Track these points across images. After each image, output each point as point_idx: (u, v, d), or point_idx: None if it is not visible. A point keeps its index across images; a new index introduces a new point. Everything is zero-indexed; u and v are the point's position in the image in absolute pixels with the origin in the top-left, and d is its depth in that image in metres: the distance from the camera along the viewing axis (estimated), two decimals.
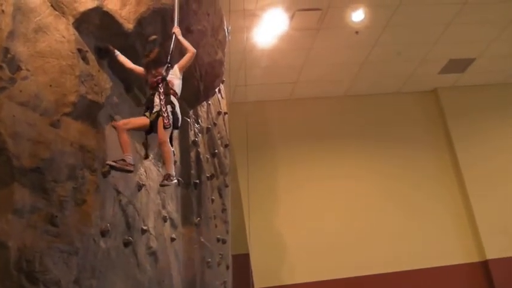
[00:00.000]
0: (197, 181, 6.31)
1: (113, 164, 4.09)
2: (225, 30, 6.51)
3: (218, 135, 7.56)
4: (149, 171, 5.09)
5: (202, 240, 6.27)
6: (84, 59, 4.13)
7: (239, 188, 10.55)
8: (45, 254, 3.44)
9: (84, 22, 4.25)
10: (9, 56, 3.58)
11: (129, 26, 4.53)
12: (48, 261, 3.44)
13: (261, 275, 10.32)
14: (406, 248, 11.09)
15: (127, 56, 4.59)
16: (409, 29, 10.18)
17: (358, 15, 9.54)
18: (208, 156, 6.92)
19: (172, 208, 5.61)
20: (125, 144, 4.20)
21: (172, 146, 4.51)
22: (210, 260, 6.40)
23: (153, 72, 4.48)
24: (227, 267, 7.38)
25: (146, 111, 4.41)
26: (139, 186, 4.78)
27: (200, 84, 5.83)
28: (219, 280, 6.85)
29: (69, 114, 3.90)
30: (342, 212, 11.28)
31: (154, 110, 4.35)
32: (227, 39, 6.71)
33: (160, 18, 4.76)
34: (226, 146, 7.90)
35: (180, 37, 4.68)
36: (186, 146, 6.23)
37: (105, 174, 4.13)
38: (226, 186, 7.80)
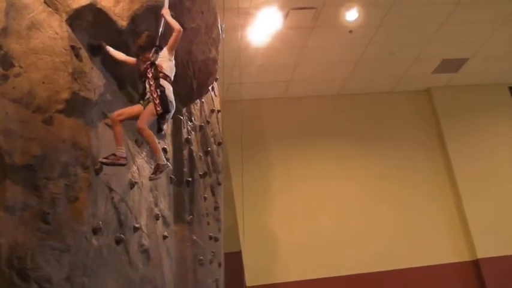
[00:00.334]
0: (190, 179, 6.30)
1: (104, 160, 4.08)
2: (218, 28, 6.50)
3: (211, 133, 7.55)
4: (142, 169, 5.09)
5: (194, 238, 6.27)
6: (77, 56, 4.11)
7: (232, 186, 10.56)
8: (36, 251, 3.43)
9: (78, 19, 4.23)
10: (2, 52, 3.58)
11: (122, 23, 4.52)
12: (39, 258, 3.44)
13: (253, 273, 10.34)
14: (398, 246, 11.13)
15: None
16: (402, 29, 10.21)
17: (352, 15, 9.56)
18: (201, 154, 6.92)
19: (165, 206, 5.60)
20: (119, 136, 4.16)
21: (162, 130, 4.43)
22: (202, 257, 6.40)
23: (142, 58, 4.40)
24: (219, 265, 7.39)
25: (140, 100, 4.38)
26: (132, 184, 4.78)
27: (193, 82, 5.82)
28: (211, 278, 6.85)
29: (62, 111, 3.88)
30: (334, 211, 11.31)
31: (146, 97, 4.29)
32: (221, 37, 6.70)
33: (154, 15, 4.75)
34: (219, 144, 7.90)
35: (168, 17, 4.52)
36: (179, 144, 6.22)
37: (97, 172, 4.13)
38: (219, 184, 7.80)
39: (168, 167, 4.43)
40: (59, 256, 3.59)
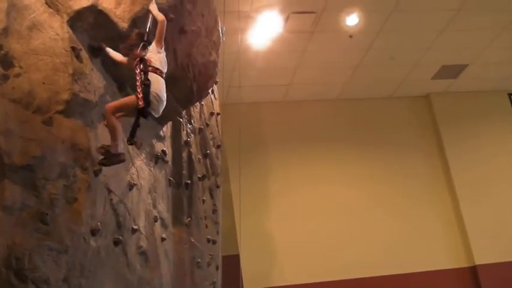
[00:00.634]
0: (188, 181, 6.31)
1: (103, 162, 4.04)
2: (219, 31, 6.51)
3: (210, 135, 7.56)
4: (141, 171, 5.09)
5: (192, 240, 6.27)
6: (78, 57, 4.12)
7: (230, 189, 10.56)
8: (34, 251, 3.43)
9: (79, 20, 4.23)
10: (2, 52, 3.58)
11: (123, 25, 4.51)
12: (37, 259, 3.43)
13: (251, 277, 10.33)
14: (396, 251, 11.13)
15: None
16: (402, 35, 10.23)
17: (352, 20, 9.58)
18: (200, 157, 6.92)
19: (163, 208, 5.60)
20: (113, 130, 4.04)
21: (134, 135, 4.15)
22: (200, 260, 6.40)
23: (132, 56, 4.35)
24: (217, 268, 7.38)
25: None
26: (131, 186, 4.78)
27: (193, 85, 5.82)
28: (209, 280, 6.85)
29: (62, 112, 3.88)
30: (332, 216, 11.31)
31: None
32: (221, 40, 6.71)
33: (154, 17, 4.75)
34: (218, 146, 7.91)
35: (154, 11, 4.47)
36: (178, 146, 6.23)
37: (96, 173, 4.13)
38: (218, 187, 7.80)
39: (120, 162, 4.16)
40: (57, 257, 3.58)
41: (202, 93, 6.47)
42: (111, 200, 4.39)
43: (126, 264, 4.58)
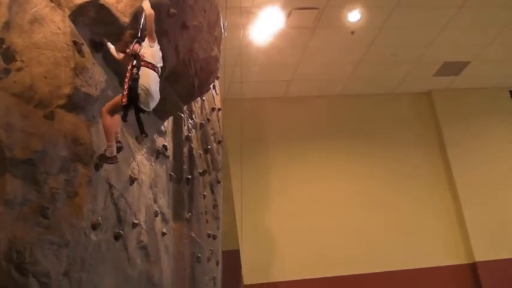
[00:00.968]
0: (189, 176, 6.31)
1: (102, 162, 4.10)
2: (221, 26, 6.51)
3: (211, 131, 7.57)
4: (142, 166, 5.09)
5: (193, 235, 6.28)
6: (80, 51, 4.11)
7: (231, 185, 10.57)
8: (35, 245, 3.44)
9: (80, 14, 4.23)
10: (4, 46, 3.58)
11: (125, 19, 4.50)
12: (38, 253, 3.44)
13: (251, 272, 10.36)
14: (396, 248, 11.15)
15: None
16: (404, 31, 10.22)
17: (354, 16, 9.56)
18: (201, 152, 6.93)
19: (164, 203, 5.61)
20: (108, 131, 4.07)
21: (125, 119, 4.15)
22: (200, 255, 6.41)
23: (128, 53, 4.35)
24: (217, 263, 7.40)
25: None
26: (132, 180, 4.78)
27: (195, 80, 5.82)
28: (209, 275, 6.87)
29: (63, 106, 3.88)
30: (332, 212, 11.32)
31: None
32: (223, 35, 6.70)
33: (156, 12, 4.75)
34: (219, 142, 7.91)
35: (146, 7, 4.43)
36: (179, 141, 6.23)
37: (97, 168, 4.13)
38: (218, 182, 7.81)
39: (113, 163, 4.20)
40: (58, 251, 3.59)
41: (203, 89, 6.47)
42: (112, 194, 4.40)
43: (127, 259, 4.59)
